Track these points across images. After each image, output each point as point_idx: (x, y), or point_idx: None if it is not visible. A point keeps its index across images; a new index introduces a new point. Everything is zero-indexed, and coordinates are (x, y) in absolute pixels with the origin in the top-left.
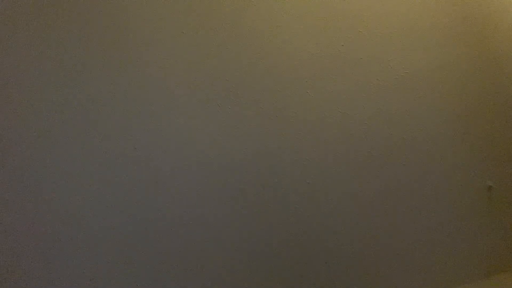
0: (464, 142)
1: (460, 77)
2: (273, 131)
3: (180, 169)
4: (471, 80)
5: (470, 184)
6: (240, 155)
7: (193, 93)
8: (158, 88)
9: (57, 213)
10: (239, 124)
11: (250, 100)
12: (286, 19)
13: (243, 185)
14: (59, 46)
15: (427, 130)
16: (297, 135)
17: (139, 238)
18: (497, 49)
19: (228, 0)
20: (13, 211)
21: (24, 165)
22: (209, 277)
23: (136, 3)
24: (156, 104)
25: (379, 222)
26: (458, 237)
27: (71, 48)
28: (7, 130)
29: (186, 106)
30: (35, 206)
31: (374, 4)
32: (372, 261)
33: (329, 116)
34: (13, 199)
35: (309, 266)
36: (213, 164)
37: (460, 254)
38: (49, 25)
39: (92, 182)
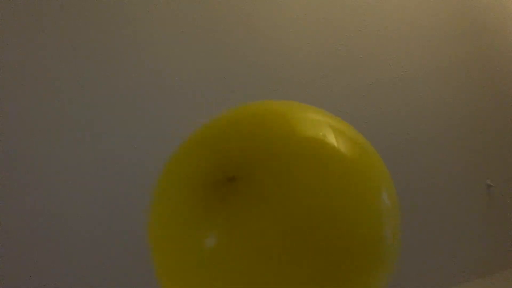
0: (464, 141)
1: (460, 76)
2: None
3: None
4: (471, 80)
5: (469, 183)
6: None
7: (192, 91)
8: (157, 86)
9: (54, 213)
10: None
11: (250, 99)
12: (285, 18)
13: None
14: (58, 45)
15: (427, 130)
16: None
17: (138, 240)
18: (497, 48)
19: (226, 0)
20: (10, 210)
21: (20, 164)
22: None
23: (136, 2)
24: (155, 102)
25: None
26: (457, 236)
27: (70, 46)
28: (6, 129)
29: (185, 105)
30: (32, 205)
31: (373, 3)
32: None
33: None
34: (10, 199)
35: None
36: None
37: (460, 253)
38: (46, 23)
39: (90, 181)
